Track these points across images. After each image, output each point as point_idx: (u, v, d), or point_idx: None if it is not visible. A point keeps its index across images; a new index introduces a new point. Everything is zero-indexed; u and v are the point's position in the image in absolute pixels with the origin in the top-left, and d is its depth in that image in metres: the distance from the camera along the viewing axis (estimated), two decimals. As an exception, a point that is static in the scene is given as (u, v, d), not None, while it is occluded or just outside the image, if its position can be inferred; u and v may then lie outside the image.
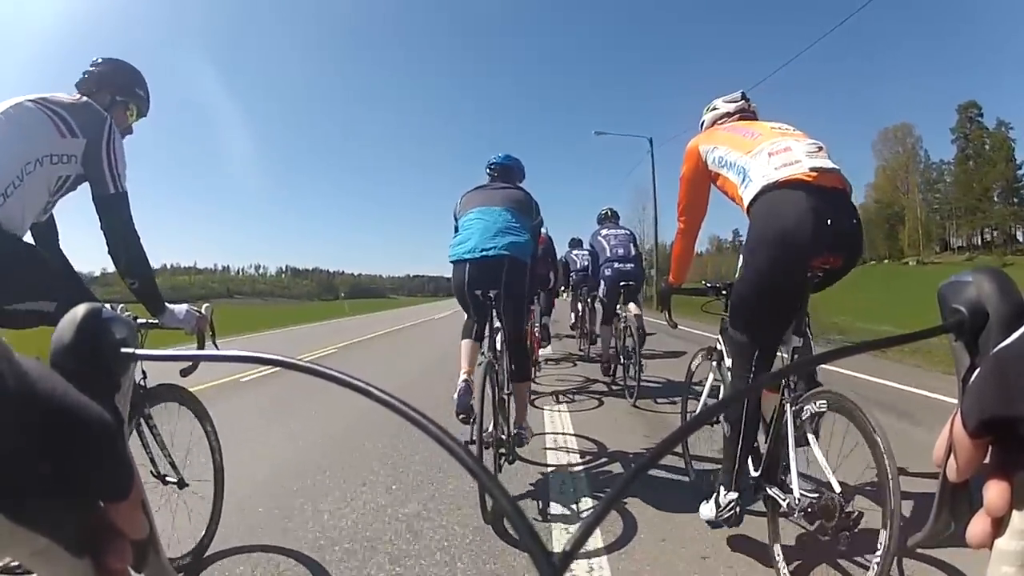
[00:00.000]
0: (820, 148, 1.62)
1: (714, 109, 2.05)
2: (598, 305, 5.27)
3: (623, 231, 4.80)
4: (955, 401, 0.25)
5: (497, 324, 2.43)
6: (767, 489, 1.59)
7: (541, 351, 5.64)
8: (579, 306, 6.77)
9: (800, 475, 1.47)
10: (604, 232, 4.75)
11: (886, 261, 52.21)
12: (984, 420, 0.22)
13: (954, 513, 0.27)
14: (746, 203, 1.63)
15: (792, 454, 1.49)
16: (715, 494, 1.71)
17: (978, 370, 0.24)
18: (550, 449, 2.91)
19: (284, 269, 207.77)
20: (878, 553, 1.25)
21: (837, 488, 1.37)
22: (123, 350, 0.26)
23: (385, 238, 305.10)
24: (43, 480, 0.20)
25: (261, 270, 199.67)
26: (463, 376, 2.42)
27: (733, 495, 1.65)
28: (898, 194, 53.73)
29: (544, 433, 3.15)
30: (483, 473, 0.21)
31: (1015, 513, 0.22)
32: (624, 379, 4.26)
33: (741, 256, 1.68)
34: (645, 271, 5.07)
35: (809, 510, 1.40)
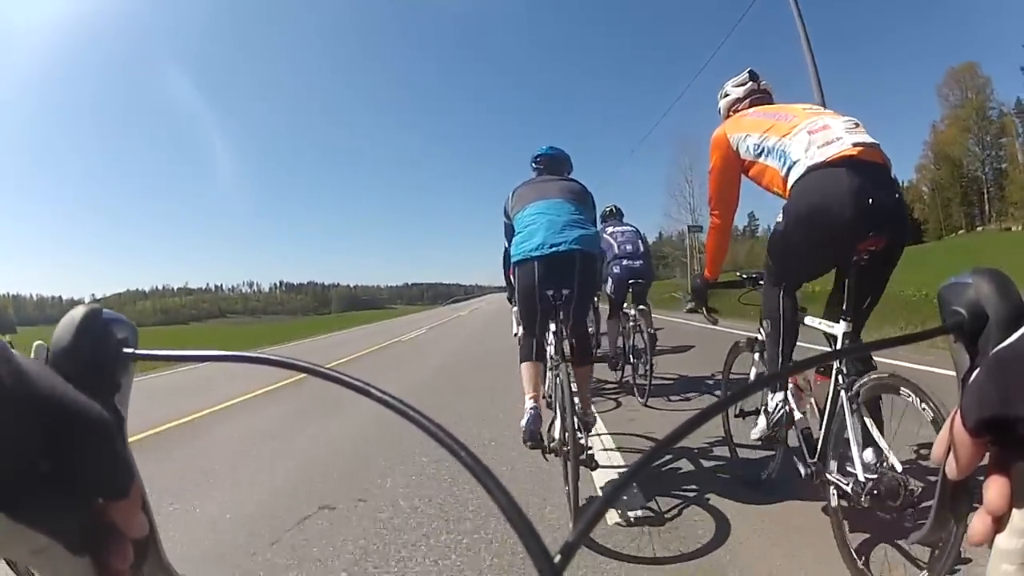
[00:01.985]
0: (857, 124, 1.72)
1: (726, 95, 2.18)
2: (604, 306, 5.44)
3: (630, 228, 4.98)
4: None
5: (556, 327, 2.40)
6: (826, 475, 1.72)
7: None
8: None
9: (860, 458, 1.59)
10: (611, 229, 4.95)
11: (980, 229, 44.33)
12: (984, 419, 0.24)
13: (954, 511, 0.29)
14: (789, 185, 1.73)
15: (852, 437, 1.61)
16: (763, 406, 1.84)
17: (978, 370, 0.25)
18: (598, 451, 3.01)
19: (278, 284, 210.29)
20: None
21: (899, 467, 1.49)
22: (124, 350, 0.28)
23: (382, 248, 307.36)
24: (43, 479, 0.22)
25: (255, 287, 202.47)
26: (530, 403, 2.38)
27: (779, 395, 1.78)
28: (967, 148, 46.28)
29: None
30: (482, 471, 0.22)
31: (1015, 511, 0.24)
32: (633, 378, 4.41)
33: (781, 213, 1.79)
34: (654, 268, 5.07)
35: (875, 492, 1.51)
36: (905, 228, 1.73)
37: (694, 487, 2.39)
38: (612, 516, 2.14)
